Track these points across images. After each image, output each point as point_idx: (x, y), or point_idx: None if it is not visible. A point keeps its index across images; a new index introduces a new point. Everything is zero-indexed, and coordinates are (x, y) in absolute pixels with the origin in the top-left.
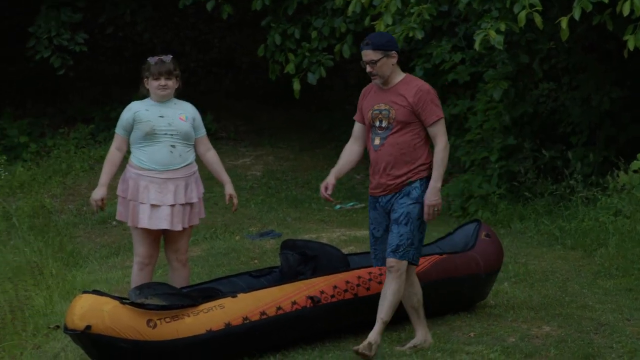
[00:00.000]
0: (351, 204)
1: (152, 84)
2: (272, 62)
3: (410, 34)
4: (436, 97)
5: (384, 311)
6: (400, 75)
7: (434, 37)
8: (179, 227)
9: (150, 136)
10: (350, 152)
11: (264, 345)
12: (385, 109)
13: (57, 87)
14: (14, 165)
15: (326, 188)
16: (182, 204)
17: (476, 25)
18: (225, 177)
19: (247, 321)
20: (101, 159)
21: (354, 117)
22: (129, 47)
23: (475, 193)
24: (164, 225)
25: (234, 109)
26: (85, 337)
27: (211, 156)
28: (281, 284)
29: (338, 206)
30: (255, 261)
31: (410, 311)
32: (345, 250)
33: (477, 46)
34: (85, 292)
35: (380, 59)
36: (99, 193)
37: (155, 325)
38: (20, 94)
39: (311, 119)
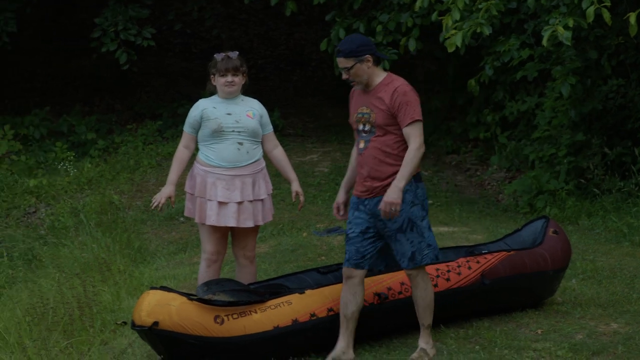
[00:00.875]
0: None
1: (219, 81)
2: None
3: (478, 30)
4: (414, 99)
5: (420, 316)
6: (380, 76)
7: (502, 34)
8: (246, 224)
9: (218, 133)
10: (355, 161)
11: (331, 342)
12: (367, 113)
13: (125, 84)
14: (82, 161)
15: (338, 209)
16: (250, 201)
17: (544, 22)
18: (292, 175)
19: (315, 317)
20: (169, 156)
21: (349, 121)
22: (197, 44)
23: (543, 188)
24: (231, 222)
25: (301, 105)
26: (153, 334)
27: (278, 153)
28: None
29: None
30: (323, 257)
31: (342, 319)
32: None
33: (545, 42)
34: (152, 288)
35: (354, 65)
36: (166, 191)
37: (222, 322)
38: (89, 91)
39: None
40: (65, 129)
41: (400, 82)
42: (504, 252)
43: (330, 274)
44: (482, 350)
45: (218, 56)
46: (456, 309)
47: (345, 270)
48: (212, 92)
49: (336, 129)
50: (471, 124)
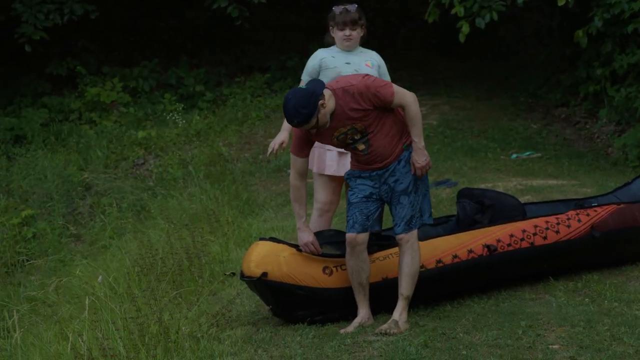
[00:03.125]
0: (528, 153)
1: (337, 34)
2: (433, 4)
3: None
4: (372, 81)
5: (401, 285)
6: (332, 99)
7: None
8: None
9: None
10: (298, 195)
11: (439, 293)
12: (350, 129)
13: (233, 37)
14: (191, 113)
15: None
16: None
17: None
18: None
19: (423, 269)
20: (277, 108)
21: (292, 152)
22: None
23: None
24: None
25: (410, 58)
26: (261, 284)
27: None
28: (458, 233)
29: (514, 155)
30: (432, 210)
31: (357, 288)
32: (522, 200)
33: None
34: (262, 239)
35: (317, 119)
36: (280, 137)
37: (331, 273)
38: (197, 44)
39: (487, 68)
40: (174, 81)
41: (351, 85)
42: (614, 205)
43: (439, 226)
44: (592, 302)
45: (337, 9)
46: (566, 261)
47: (350, 238)
48: (331, 44)
49: (445, 82)
50: (580, 78)
